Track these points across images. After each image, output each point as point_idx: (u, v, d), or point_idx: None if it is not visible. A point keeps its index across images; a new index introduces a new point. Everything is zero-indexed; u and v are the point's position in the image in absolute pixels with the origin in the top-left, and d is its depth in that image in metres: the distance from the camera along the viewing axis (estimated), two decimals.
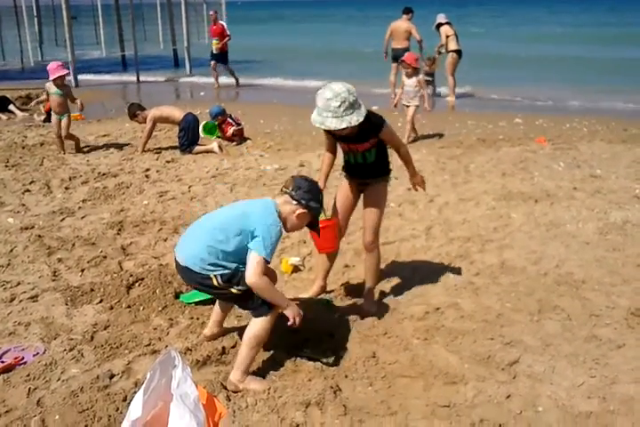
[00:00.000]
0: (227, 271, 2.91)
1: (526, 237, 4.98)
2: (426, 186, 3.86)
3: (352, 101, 3.24)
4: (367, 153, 3.62)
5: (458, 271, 4.36)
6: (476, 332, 3.51)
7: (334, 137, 3.62)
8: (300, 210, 3.02)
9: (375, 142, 3.56)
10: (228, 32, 14.86)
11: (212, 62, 14.88)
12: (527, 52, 21.67)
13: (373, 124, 3.45)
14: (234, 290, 2.94)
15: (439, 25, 12.54)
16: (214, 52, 14.78)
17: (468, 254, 4.63)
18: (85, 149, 8.22)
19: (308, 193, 3.02)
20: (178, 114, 8.14)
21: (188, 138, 8.04)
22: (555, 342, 3.40)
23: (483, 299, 3.93)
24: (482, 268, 4.39)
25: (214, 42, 14.77)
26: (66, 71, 7.78)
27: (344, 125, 3.24)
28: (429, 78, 12.82)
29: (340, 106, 3.20)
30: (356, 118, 3.26)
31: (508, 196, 5.99)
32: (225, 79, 15.47)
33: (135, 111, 8.23)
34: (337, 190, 3.88)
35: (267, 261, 2.87)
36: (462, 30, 13.10)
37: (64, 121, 7.90)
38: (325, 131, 3.53)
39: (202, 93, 14.28)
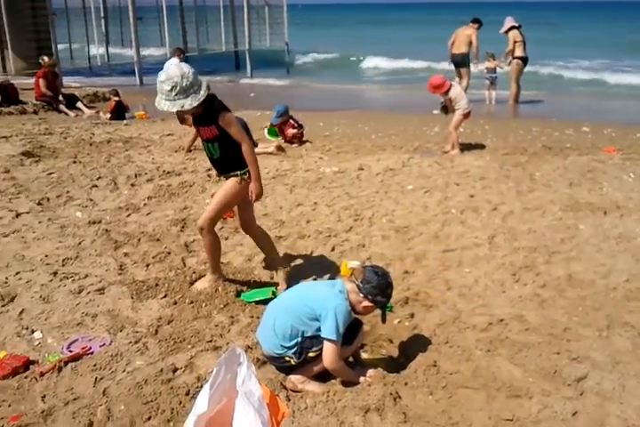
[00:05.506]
0: (296, 348, 2.97)
1: (594, 249, 4.80)
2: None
3: (185, 86, 3.28)
4: (211, 146, 3.63)
5: (523, 282, 4.24)
6: (541, 345, 3.40)
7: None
8: (367, 303, 3.02)
9: (216, 133, 3.54)
10: None
11: None
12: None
13: (214, 110, 3.45)
14: (311, 354, 2.98)
15: (510, 29, 12.19)
16: None
17: (534, 265, 4.49)
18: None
19: (376, 289, 2.98)
20: None
21: None
22: (624, 360, 3.26)
23: (549, 312, 3.80)
24: (548, 280, 4.26)
25: None
26: None
27: (175, 109, 3.33)
28: (493, 75, 12.67)
29: (171, 90, 3.28)
30: (189, 103, 3.31)
31: (575, 206, 5.79)
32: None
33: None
34: None
35: (338, 342, 2.91)
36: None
37: None
38: None
39: (252, 95, 14.40)
